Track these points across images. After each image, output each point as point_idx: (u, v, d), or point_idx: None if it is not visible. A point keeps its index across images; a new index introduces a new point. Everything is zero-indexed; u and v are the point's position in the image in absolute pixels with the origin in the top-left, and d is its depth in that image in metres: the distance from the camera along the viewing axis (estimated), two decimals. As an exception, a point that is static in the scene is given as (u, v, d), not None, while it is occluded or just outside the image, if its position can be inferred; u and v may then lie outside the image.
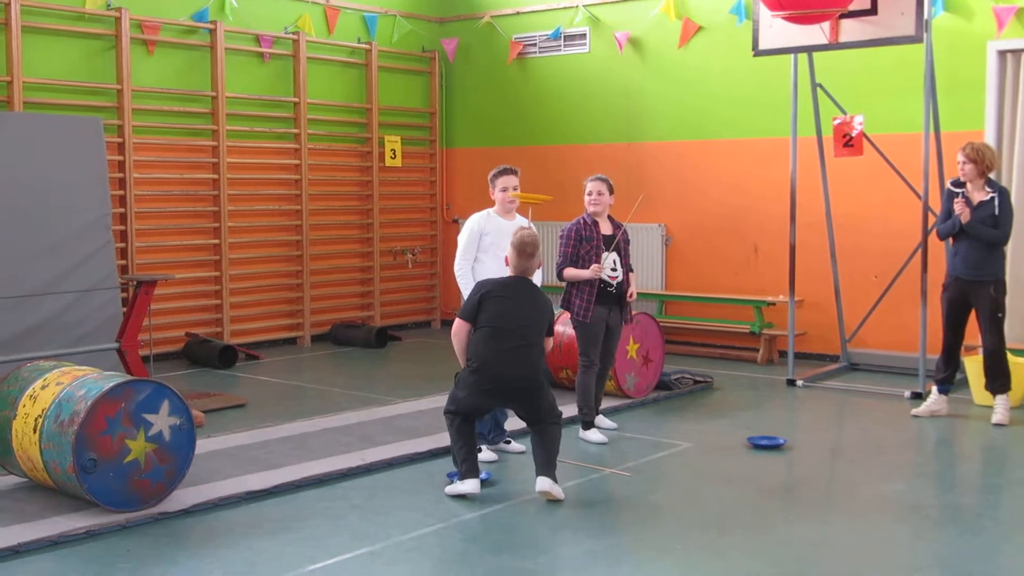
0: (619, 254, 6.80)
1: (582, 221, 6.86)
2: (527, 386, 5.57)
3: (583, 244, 6.76)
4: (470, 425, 5.62)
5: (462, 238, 6.45)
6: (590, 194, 6.88)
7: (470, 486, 5.49)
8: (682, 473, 6.18)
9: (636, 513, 5.48)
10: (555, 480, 5.48)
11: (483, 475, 5.72)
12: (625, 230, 6.87)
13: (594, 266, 6.68)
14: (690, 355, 9.98)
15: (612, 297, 6.78)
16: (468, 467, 5.53)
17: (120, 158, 9.34)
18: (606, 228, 6.85)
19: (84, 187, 8.30)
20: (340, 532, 5.03)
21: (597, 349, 6.83)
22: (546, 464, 5.51)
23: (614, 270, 6.77)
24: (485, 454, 6.22)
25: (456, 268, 6.44)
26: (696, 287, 10.39)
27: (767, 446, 6.61)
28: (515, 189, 6.50)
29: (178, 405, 5.36)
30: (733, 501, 5.59)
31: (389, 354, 10.43)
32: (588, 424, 6.89)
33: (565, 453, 6.42)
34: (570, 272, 6.75)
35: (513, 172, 6.55)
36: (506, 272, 5.99)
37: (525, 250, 5.67)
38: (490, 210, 6.52)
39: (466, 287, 6.24)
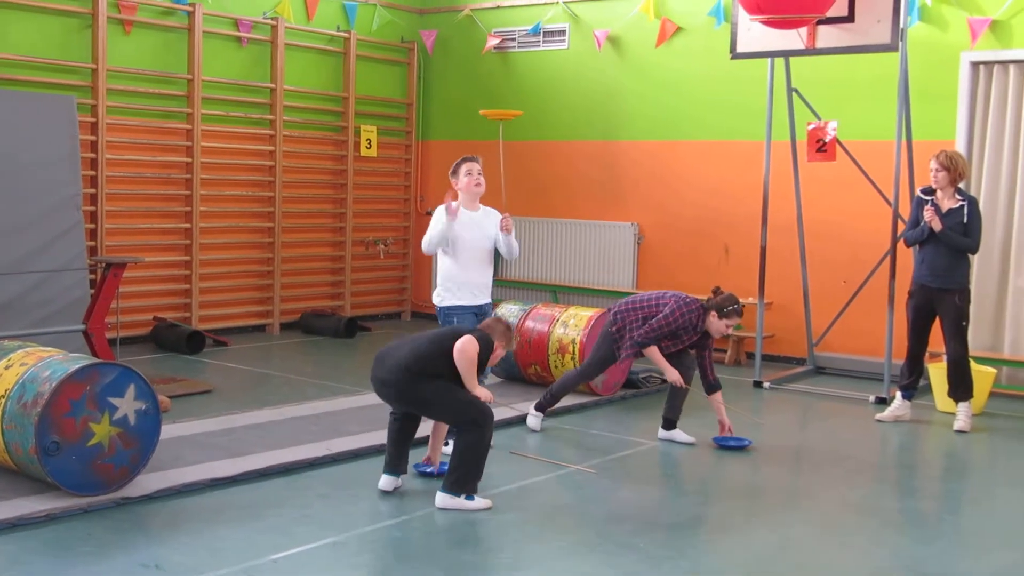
0: (688, 350, 6.76)
1: (694, 325, 6.58)
2: (393, 384, 5.36)
3: (676, 339, 6.62)
4: (399, 423, 5.55)
5: (433, 229, 6.21)
6: (728, 328, 6.60)
7: (381, 480, 5.49)
8: (647, 471, 6.21)
9: (601, 510, 5.50)
10: (455, 493, 5.25)
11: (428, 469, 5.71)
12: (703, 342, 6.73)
13: (676, 377, 6.61)
14: (658, 354, 10.00)
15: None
16: (385, 461, 5.56)
17: (93, 138, 9.26)
18: (691, 337, 6.68)
19: (55, 166, 8.23)
20: (305, 521, 5.02)
21: (600, 371, 7.03)
22: (448, 474, 5.32)
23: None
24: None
25: (423, 244, 6.23)
26: (667, 286, 10.30)
27: (733, 447, 6.65)
28: (479, 173, 6.28)
29: (144, 389, 5.32)
30: (697, 501, 5.62)
31: (358, 344, 10.41)
32: (540, 408, 6.97)
33: (533, 449, 6.44)
34: (655, 356, 6.60)
35: (474, 159, 6.34)
36: (476, 269, 6.08)
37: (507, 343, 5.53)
38: (439, 219, 6.20)
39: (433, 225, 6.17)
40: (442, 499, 5.25)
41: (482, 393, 5.30)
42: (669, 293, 6.78)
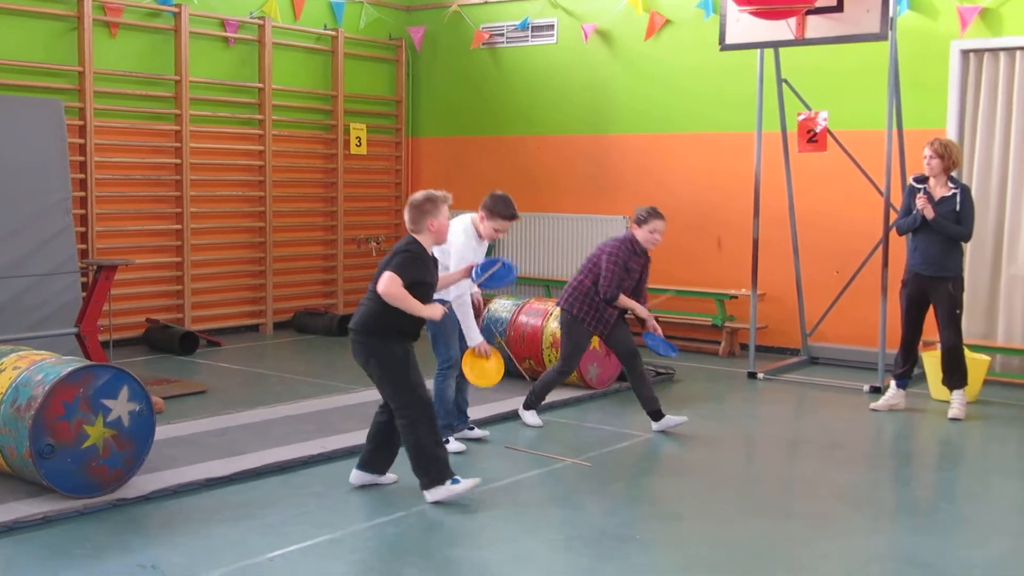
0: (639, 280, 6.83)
1: (631, 246, 6.68)
2: (354, 339, 5.34)
3: (627, 275, 6.68)
4: (379, 418, 5.50)
5: (457, 242, 6.07)
6: (654, 232, 6.67)
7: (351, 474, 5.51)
8: (643, 464, 6.21)
9: (596, 503, 5.50)
10: (436, 486, 5.23)
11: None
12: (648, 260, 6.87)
13: (647, 314, 6.72)
14: (652, 347, 10.00)
15: (621, 312, 6.82)
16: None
17: (81, 141, 9.23)
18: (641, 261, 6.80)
19: (44, 170, 8.20)
20: (301, 520, 5.01)
21: (580, 358, 6.92)
22: (418, 476, 5.27)
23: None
24: (453, 445, 6.21)
25: (461, 295, 6.07)
26: (659, 279, 10.41)
27: (659, 351, 6.86)
28: (489, 226, 6.16)
29: (137, 391, 5.31)
30: (693, 492, 5.62)
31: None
32: (531, 405, 6.96)
33: (528, 443, 6.44)
34: (626, 303, 6.66)
35: (515, 218, 6.23)
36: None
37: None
38: (470, 228, 6.16)
39: (469, 321, 6.11)
40: (428, 495, 5.26)
41: (431, 311, 5.19)
42: (594, 250, 6.79)
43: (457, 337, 6.24)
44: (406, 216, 5.29)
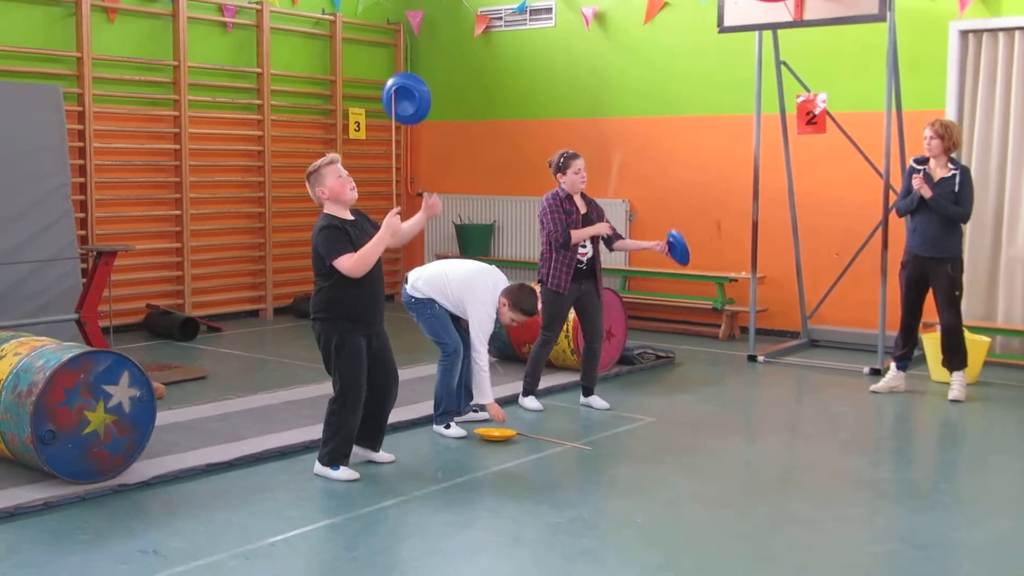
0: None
1: (559, 195, 6.77)
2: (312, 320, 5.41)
3: (566, 218, 6.70)
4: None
5: (480, 329, 6.15)
6: (578, 172, 6.73)
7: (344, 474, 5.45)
8: (644, 447, 6.22)
9: (598, 486, 5.52)
10: (323, 464, 5.38)
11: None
12: (600, 208, 6.88)
13: (602, 224, 6.73)
14: (652, 330, 10.02)
15: (584, 273, 6.80)
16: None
17: (80, 127, 9.22)
18: (580, 205, 6.81)
19: (43, 156, 8.19)
20: (301, 504, 5.03)
21: (560, 326, 6.88)
22: (321, 445, 5.43)
23: (584, 247, 6.77)
24: (454, 430, 6.23)
25: (479, 360, 6.18)
26: (659, 263, 10.41)
27: (678, 249, 6.85)
28: (508, 313, 6.24)
29: (138, 377, 5.32)
30: (693, 475, 5.64)
31: (352, 327, 10.38)
32: (528, 392, 6.97)
33: (529, 427, 6.45)
34: (578, 233, 6.66)
35: (533, 316, 6.36)
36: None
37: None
38: (493, 310, 6.22)
39: (484, 385, 6.22)
40: (316, 467, 5.43)
41: (385, 226, 5.19)
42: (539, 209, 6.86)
43: (452, 325, 6.26)
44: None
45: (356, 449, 5.54)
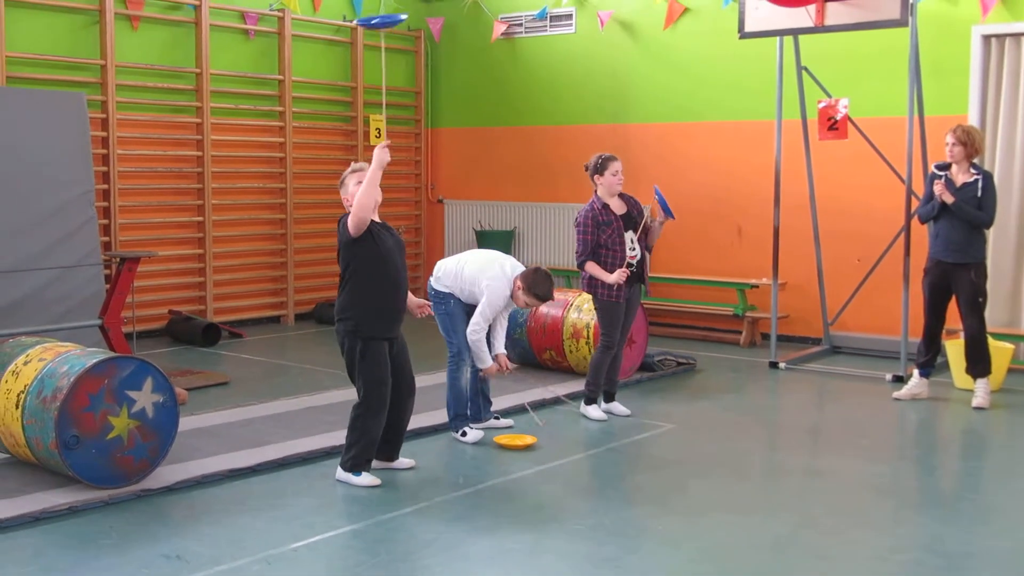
0: (635, 231, 6.75)
1: (595, 206, 6.71)
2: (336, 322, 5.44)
3: (602, 230, 6.66)
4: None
5: (487, 303, 6.14)
6: (616, 174, 6.72)
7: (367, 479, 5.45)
8: (664, 454, 6.20)
9: (619, 494, 5.51)
10: (345, 470, 5.41)
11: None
12: (638, 203, 6.83)
13: (618, 272, 6.59)
14: (673, 337, 10.01)
15: (634, 276, 6.78)
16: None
17: (104, 134, 9.29)
18: (618, 207, 6.77)
19: (67, 163, 8.25)
20: (324, 510, 5.04)
21: (619, 330, 6.84)
22: (343, 451, 5.45)
23: (632, 249, 6.75)
24: (471, 435, 6.24)
25: (475, 329, 6.13)
26: (680, 269, 10.42)
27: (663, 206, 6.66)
28: (522, 297, 6.23)
29: (161, 382, 5.35)
30: (714, 482, 5.62)
31: (373, 333, 10.40)
32: (590, 400, 6.94)
33: (547, 429, 6.45)
34: (594, 271, 6.64)
35: (548, 300, 6.37)
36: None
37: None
38: (507, 293, 6.21)
39: (481, 351, 6.16)
40: (338, 473, 5.45)
41: (377, 154, 5.22)
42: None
43: (463, 326, 6.29)
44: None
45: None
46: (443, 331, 6.35)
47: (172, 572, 4.26)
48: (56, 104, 8.33)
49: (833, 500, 5.34)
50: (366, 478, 5.38)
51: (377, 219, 5.35)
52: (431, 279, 6.45)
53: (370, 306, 5.29)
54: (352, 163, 5.54)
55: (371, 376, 5.31)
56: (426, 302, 5.99)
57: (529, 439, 6.21)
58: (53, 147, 8.18)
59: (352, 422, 5.38)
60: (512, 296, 6.22)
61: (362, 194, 5.15)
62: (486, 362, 6.17)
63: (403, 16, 5.70)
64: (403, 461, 5.68)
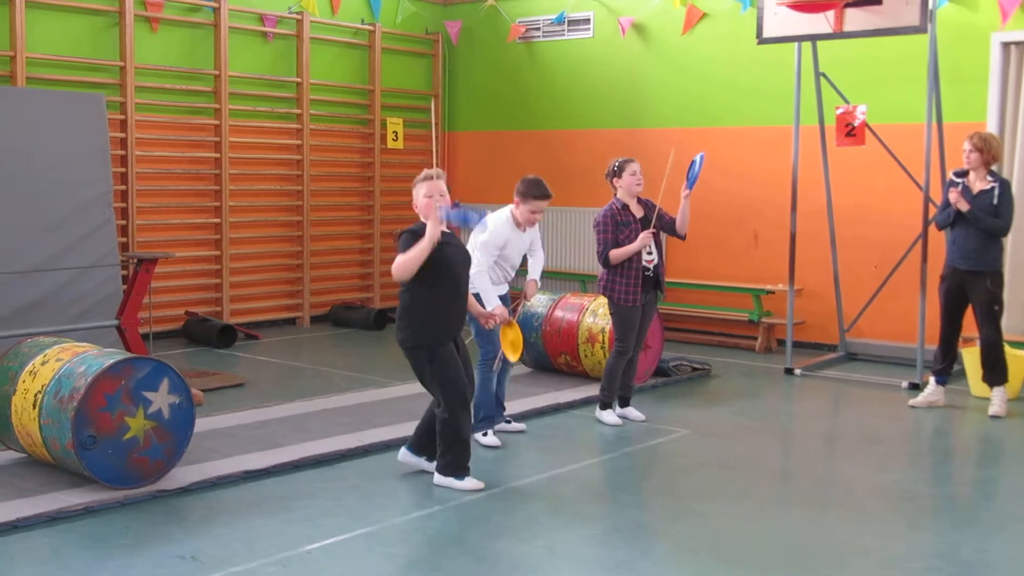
0: (655, 236, 6.75)
1: (614, 207, 6.75)
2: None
3: (621, 229, 6.67)
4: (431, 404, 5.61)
5: (484, 236, 6.18)
6: (634, 175, 6.78)
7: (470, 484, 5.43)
8: (679, 459, 6.20)
9: (632, 498, 5.51)
10: (445, 475, 5.39)
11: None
12: (659, 207, 6.81)
13: (643, 234, 6.59)
14: (688, 342, 9.99)
15: (650, 281, 6.78)
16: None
17: (122, 135, 9.34)
18: (637, 210, 6.79)
19: (86, 164, 8.29)
20: (338, 512, 5.05)
21: (634, 335, 6.83)
22: (438, 457, 5.43)
23: (650, 253, 6.75)
24: (490, 439, 6.25)
25: (477, 263, 6.03)
26: (695, 274, 10.40)
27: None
28: (541, 213, 6.32)
29: (177, 383, 5.37)
30: (729, 488, 5.61)
31: (388, 336, 10.43)
32: (605, 405, 6.93)
33: (560, 436, 6.45)
34: (617, 253, 6.62)
35: (547, 197, 6.32)
36: (497, 280, 6.23)
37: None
38: (509, 218, 6.30)
39: (484, 287, 6.04)
40: (436, 478, 5.45)
41: (430, 230, 5.10)
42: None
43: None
44: None
45: (410, 458, 5.62)
46: (475, 335, 6.31)
47: (187, 573, 4.28)
48: (75, 105, 8.38)
49: (847, 507, 5.32)
50: (469, 482, 5.37)
51: (445, 228, 5.31)
52: None
53: (424, 307, 5.28)
54: (424, 170, 5.44)
55: (445, 377, 5.29)
56: (495, 314, 5.91)
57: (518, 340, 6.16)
58: (72, 148, 8.23)
59: (441, 430, 5.34)
60: (518, 222, 6.23)
61: (404, 263, 5.13)
62: (491, 302, 6.01)
63: (480, 215, 5.57)
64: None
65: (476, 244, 6.19)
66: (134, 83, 9.39)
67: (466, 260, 5.51)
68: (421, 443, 5.61)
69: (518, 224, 6.30)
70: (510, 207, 6.32)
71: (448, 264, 5.31)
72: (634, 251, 6.61)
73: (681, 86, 10.49)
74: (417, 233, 5.20)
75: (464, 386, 5.36)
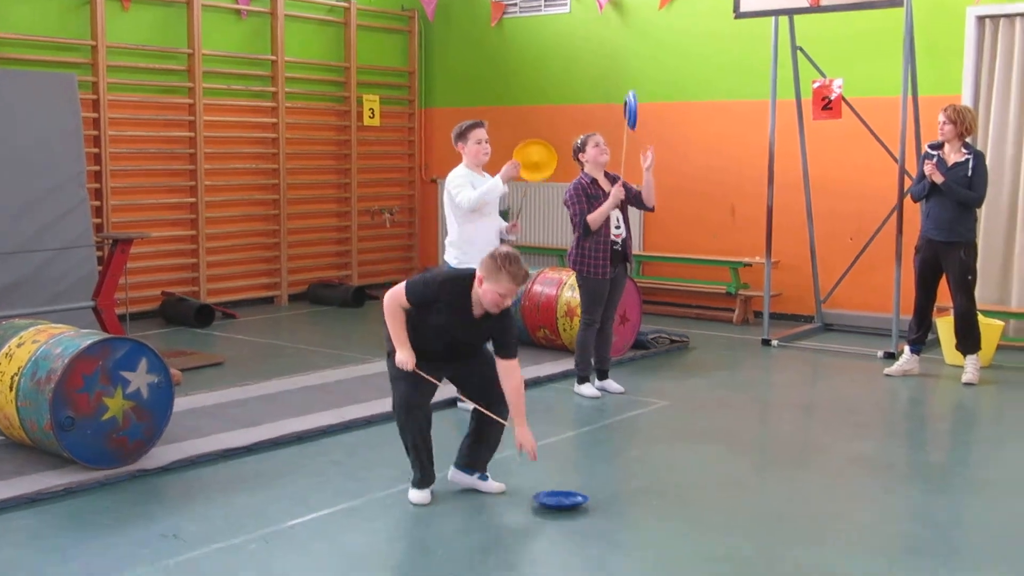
0: (622, 210, 6.81)
1: (583, 180, 6.80)
2: None
3: (592, 202, 6.71)
4: (472, 421, 5.09)
5: (456, 184, 6.34)
6: (598, 145, 6.83)
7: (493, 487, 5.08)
8: (658, 430, 6.24)
9: (612, 469, 5.55)
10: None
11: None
12: (625, 182, 6.83)
13: (615, 188, 6.65)
14: (667, 315, 10.04)
15: (618, 255, 6.82)
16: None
17: (95, 115, 9.26)
18: (605, 184, 6.83)
19: (58, 144, 8.23)
20: (320, 488, 5.07)
21: (601, 308, 6.87)
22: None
23: (618, 227, 6.79)
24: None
25: (462, 201, 6.24)
26: (673, 248, 10.44)
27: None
28: (487, 141, 6.48)
29: (156, 363, 5.36)
30: (708, 458, 5.66)
31: (367, 313, 10.43)
32: (583, 379, 6.98)
33: (546, 411, 6.48)
34: (594, 215, 6.63)
35: (483, 124, 6.52)
36: (492, 233, 6.25)
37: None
38: (463, 166, 6.47)
39: (480, 188, 6.28)
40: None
41: (399, 355, 4.70)
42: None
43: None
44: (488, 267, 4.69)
45: (462, 477, 5.06)
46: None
47: (170, 551, 4.29)
48: (46, 85, 8.30)
49: (825, 474, 5.38)
50: (414, 494, 4.89)
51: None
52: (447, 257, 6.51)
53: (411, 331, 4.79)
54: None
55: (393, 375, 4.84)
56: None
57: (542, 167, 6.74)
58: (44, 129, 8.16)
59: (402, 439, 4.93)
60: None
61: (389, 323, 4.75)
62: (494, 180, 6.31)
63: (581, 499, 4.89)
64: (492, 484, 5.07)
65: (450, 201, 6.38)
66: (106, 62, 9.30)
67: (474, 335, 4.86)
68: (470, 453, 5.05)
69: (472, 168, 6.47)
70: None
71: (438, 329, 4.79)
72: (609, 208, 6.65)
73: (658, 61, 10.49)
74: (431, 286, 4.73)
75: (407, 395, 4.78)
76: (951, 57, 8.82)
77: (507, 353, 4.78)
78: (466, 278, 4.74)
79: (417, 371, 4.73)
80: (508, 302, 4.68)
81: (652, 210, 7.03)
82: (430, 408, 4.90)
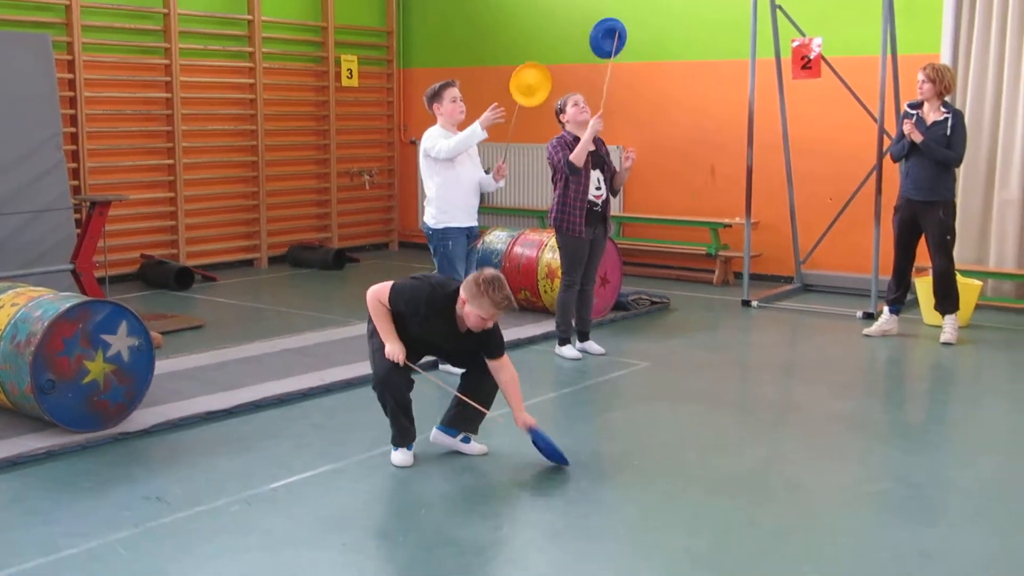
0: (602, 171, 6.81)
1: (565, 137, 6.80)
2: None
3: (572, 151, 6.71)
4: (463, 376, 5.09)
5: (433, 140, 6.33)
6: (577, 104, 6.83)
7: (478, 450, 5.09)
8: (639, 391, 6.28)
9: (593, 430, 5.58)
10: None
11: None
12: (604, 143, 6.83)
13: (594, 119, 6.66)
14: (647, 276, 10.06)
15: (598, 216, 6.82)
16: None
17: (70, 76, 9.15)
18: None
19: (33, 106, 8.15)
20: (302, 450, 5.08)
21: (580, 269, 6.89)
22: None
23: (598, 189, 6.78)
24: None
25: (440, 150, 6.25)
26: (653, 209, 10.45)
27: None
28: (462, 100, 6.46)
29: (136, 326, 5.34)
30: (689, 418, 5.70)
31: (347, 276, 10.41)
32: (564, 340, 7.00)
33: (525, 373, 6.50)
34: (575, 153, 6.59)
35: (455, 84, 6.51)
36: (471, 192, 6.31)
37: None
38: (438, 126, 6.45)
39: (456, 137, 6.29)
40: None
41: (389, 348, 4.73)
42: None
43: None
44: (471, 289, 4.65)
45: (445, 439, 5.04)
46: (441, 273, 6.30)
47: (153, 513, 4.29)
48: (20, 45, 8.19)
49: (805, 434, 5.43)
50: (397, 455, 4.89)
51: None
52: (426, 218, 6.48)
53: (396, 319, 4.81)
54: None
55: (372, 348, 4.91)
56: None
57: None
58: (18, 90, 8.07)
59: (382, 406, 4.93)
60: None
61: (376, 321, 4.79)
62: (473, 124, 6.31)
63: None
64: (475, 446, 5.07)
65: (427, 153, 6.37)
66: (80, 22, 9.18)
67: (460, 344, 4.86)
68: (464, 415, 5.02)
69: (447, 127, 6.43)
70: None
71: (422, 336, 4.82)
72: (590, 137, 6.62)
73: (638, 19, 10.40)
74: (421, 295, 4.74)
75: (388, 368, 4.75)
76: (930, 15, 8.81)
77: (495, 355, 4.84)
78: (449, 297, 4.73)
79: (407, 364, 4.78)
80: (491, 324, 4.69)
81: (615, 195, 7.03)
82: (411, 377, 4.92)
